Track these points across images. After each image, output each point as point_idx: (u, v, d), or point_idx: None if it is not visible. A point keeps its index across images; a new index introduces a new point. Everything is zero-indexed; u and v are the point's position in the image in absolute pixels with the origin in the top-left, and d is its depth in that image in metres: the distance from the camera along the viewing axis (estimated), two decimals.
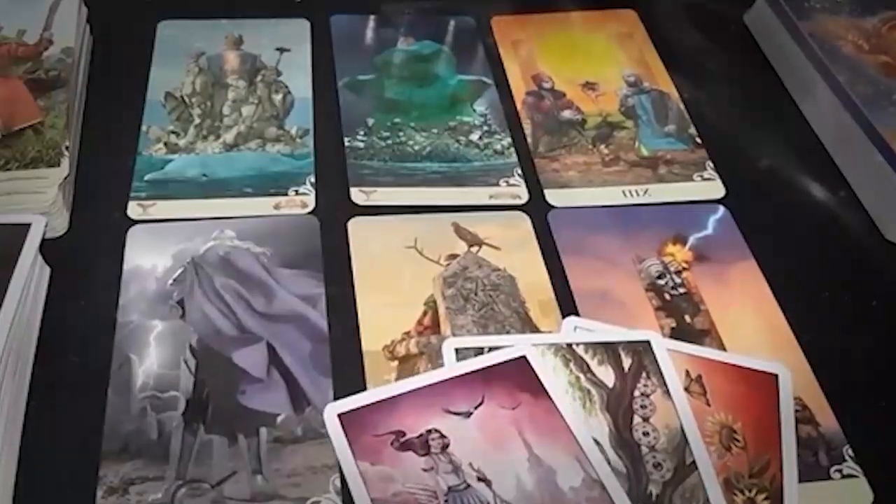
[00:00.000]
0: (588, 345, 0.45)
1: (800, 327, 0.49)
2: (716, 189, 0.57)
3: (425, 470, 0.40)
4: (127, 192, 0.54)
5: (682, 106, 0.63)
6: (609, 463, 0.41)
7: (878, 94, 0.59)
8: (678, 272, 0.52)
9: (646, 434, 0.43)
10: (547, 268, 0.51)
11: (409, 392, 0.43)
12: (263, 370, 0.45)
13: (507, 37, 0.68)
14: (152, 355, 0.45)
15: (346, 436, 0.41)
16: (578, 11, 0.71)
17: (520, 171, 0.57)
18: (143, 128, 0.58)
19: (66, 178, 0.51)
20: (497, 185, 0.56)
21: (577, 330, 0.47)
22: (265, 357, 0.46)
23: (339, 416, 0.42)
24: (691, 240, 0.54)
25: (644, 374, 0.45)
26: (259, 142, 0.58)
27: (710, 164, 0.59)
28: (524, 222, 0.54)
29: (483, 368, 0.44)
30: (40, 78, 0.56)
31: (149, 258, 0.50)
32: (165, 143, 0.57)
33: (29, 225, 0.47)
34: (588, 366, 0.45)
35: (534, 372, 0.43)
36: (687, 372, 0.45)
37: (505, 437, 0.41)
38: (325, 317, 0.48)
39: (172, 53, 0.63)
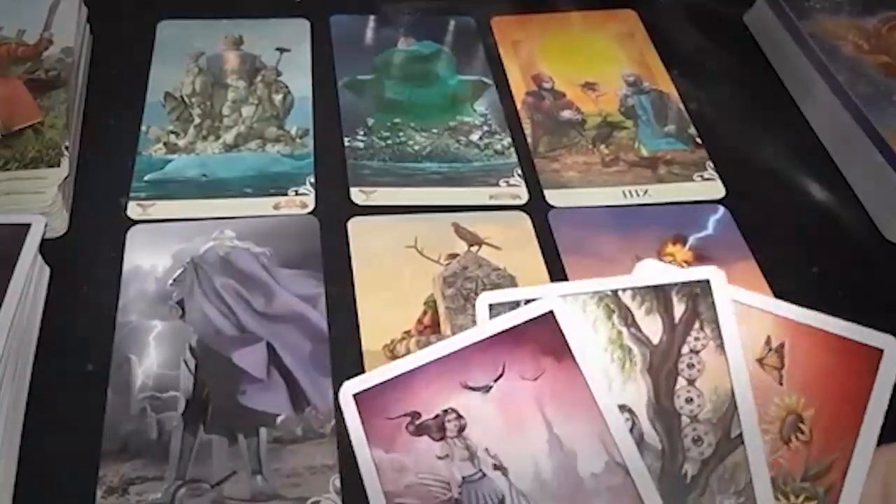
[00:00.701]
0: (636, 290, 0.40)
1: None
2: (716, 189, 0.57)
3: (440, 458, 0.38)
4: (127, 192, 0.54)
5: (681, 106, 0.63)
6: (643, 437, 0.37)
7: (878, 94, 0.59)
8: None
9: (689, 401, 0.37)
10: (547, 268, 0.51)
11: (427, 364, 0.40)
12: (263, 370, 0.45)
13: (507, 37, 0.68)
14: (152, 355, 0.45)
15: (362, 419, 0.39)
16: (578, 11, 0.71)
17: (520, 172, 0.57)
18: (143, 128, 0.58)
19: (66, 178, 0.51)
20: (497, 185, 0.56)
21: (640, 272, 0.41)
22: (265, 357, 0.46)
23: (355, 396, 0.40)
24: (691, 240, 0.54)
25: (697, 325, 0.39)
26: (259, 142, 0.58)
27: (710, 164, 0.59)
28: (524, 222, 0.54)
29: (507, 330, 0.40)
30: (40, 78, 0.56)
31: (149, 258, 0.50)
32: (165, 144, 0.57)
33: (29, 225, 0.46)
34: (633, 317, 0.39)
35: (560, 330, 0.39)
36: (768, 338, 0.38)
37: (524, 416, 0.38)
38: (325, 317, 0.48)
39: (172, 53, 0.63)
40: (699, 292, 0.39)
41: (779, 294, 0.50)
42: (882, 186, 0.55)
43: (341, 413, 0.41)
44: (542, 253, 0.52)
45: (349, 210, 0.54)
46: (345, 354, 0.46)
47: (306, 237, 0.52)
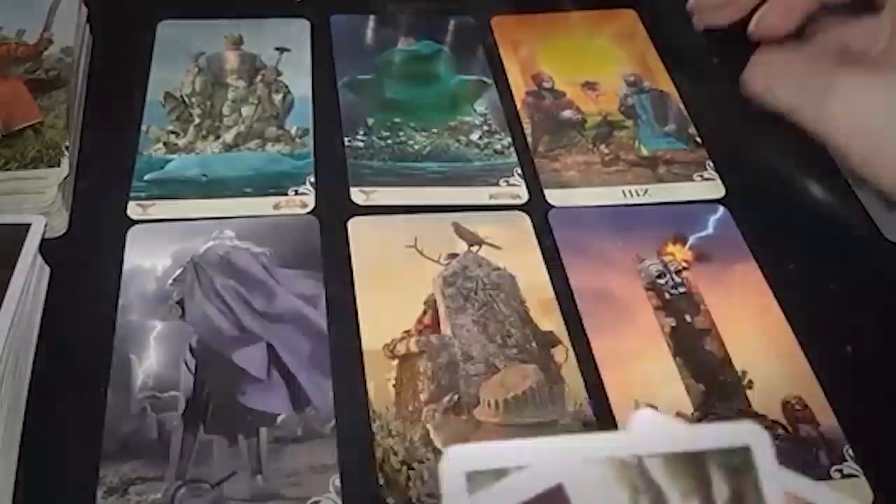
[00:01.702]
0: (668, 458, 0.25)
1: (800, 327, 0.49)
2: (716, 189, 0.57)
3: None
4: (127, 192, 0.54)
5: (682, 106, 0.63)
6: None
7: None
8: (678, 272, 0.52)
9: None
10: (547, 267, 0.51)
11: None
12: (263, 370, 0.45)
13: (507, 37, 0.68)
14: (152, 355, 0.45)
15: None
16: (578, 11, 0.71)
17: (520, 171, 0.57)
18: (143, 128, 0.58)
19: (66, 178, 0.51)
20: (497, 184, 0.56)
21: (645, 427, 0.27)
22: (265, 357, 0.46)
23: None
24: (691, 239, 0.54)
25: None
26: (259, 142, 0.58)
27: (710, 164, 0.59)
28: (524, 222, 0.54)
29: None
30: (40, 78, 0.56)
31: (148, 258, 0.50)
32: (165, 143, 0.57)
33: (29, 225, 0.46)
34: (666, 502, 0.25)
35: None
36: None
37: None
38: (325, 317, 0.48)
39: (172, 53, 0.63)
40: (739, 464, 0.26)
41: (779, 293, 0.51)
42: None
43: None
44: (542, 253, 0.52)
45: (349, 210, 0.54)
46: (345, 354, 0.46)
47: (306, 237, 0.52)
